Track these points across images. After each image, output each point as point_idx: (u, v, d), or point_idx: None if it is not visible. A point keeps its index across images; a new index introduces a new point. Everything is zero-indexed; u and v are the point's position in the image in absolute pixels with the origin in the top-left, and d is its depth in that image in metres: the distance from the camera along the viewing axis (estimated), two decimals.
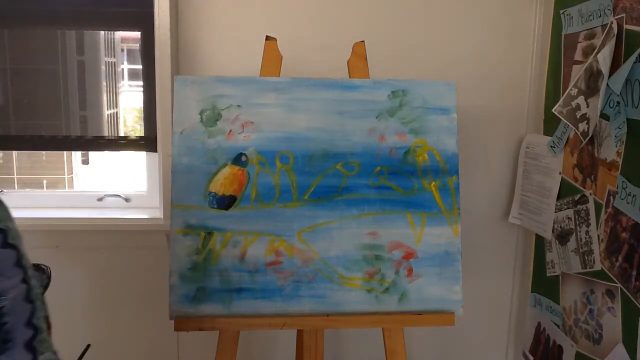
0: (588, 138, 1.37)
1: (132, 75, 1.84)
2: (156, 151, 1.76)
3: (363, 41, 1.40)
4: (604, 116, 1.31)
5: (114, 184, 1.96)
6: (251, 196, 1.29)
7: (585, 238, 1.41)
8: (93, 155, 2.34)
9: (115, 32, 1.84)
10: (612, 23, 1.27)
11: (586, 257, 1.41)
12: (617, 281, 1.27)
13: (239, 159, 1.30)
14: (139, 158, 1.87)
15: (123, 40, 1.87)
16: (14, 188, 1.95)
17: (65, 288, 1.74)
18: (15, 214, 0.69)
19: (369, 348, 1.86)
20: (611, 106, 1.26)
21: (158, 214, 1.77)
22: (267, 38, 1.38)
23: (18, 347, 0.61)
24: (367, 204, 1.32)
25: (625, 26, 1.23)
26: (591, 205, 1.39)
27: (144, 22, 1.70)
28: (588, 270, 1.40)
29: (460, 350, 1.93)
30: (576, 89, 1.41)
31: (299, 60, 1.61)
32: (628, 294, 1.23)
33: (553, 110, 1.49)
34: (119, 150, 1.83)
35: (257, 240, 1.29)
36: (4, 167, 2.03)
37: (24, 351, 0.61)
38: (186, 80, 1.31)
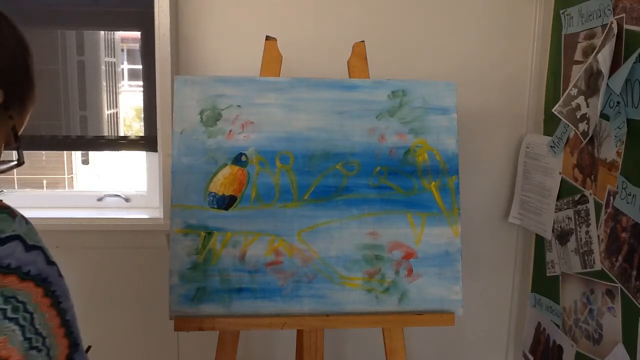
0: (588, 138, 1.37)
1: (132, 75, 1.84)
2: (156, 151, 1.76)
3: (363, 41, 1.40)
4: (604, 116, 1.31)
5: (114, 183, 1.96)
6: (251, 196, 1.29)
7: (585, 238, 1.41)
8: (93, 155, 2.34)
9: (115, 32, 1.84)
10: (612, 23, 1.27)
11: (586, 257, 1.41)
12: (617, 281, 1.27)
13: (239, 159, 1.30)
14: (139, 158, 1.87)
15: (123, 40, 1.87)
16: (14, 188, 1.95)
17: None
18: None
19: (369, 348, 1.86)
20: (611, 106, 1.26)
21: (158, 214, 1.77)
22: (267, 38, 1.38)
23: (81, 351, 0.73)
24: (367, 204, 1.32)
25: (625, 26, 1.23)
26: (591, 205, 1.39)
27: (144, 22, 1.70)
28: (588, 270, 1.40)
29: (460, 350, 1.93)
30: (576, 89, 1.41)
31: (299, 60, 1.61)
32: (628, 294, 1.23)
33: (553, 110, 1.49)
34: (119, 150, 1.82)
35: (257, 240, 1.29)
36: None
37: (84, 353, 0.74)
38: (186, 80, 1.31)
